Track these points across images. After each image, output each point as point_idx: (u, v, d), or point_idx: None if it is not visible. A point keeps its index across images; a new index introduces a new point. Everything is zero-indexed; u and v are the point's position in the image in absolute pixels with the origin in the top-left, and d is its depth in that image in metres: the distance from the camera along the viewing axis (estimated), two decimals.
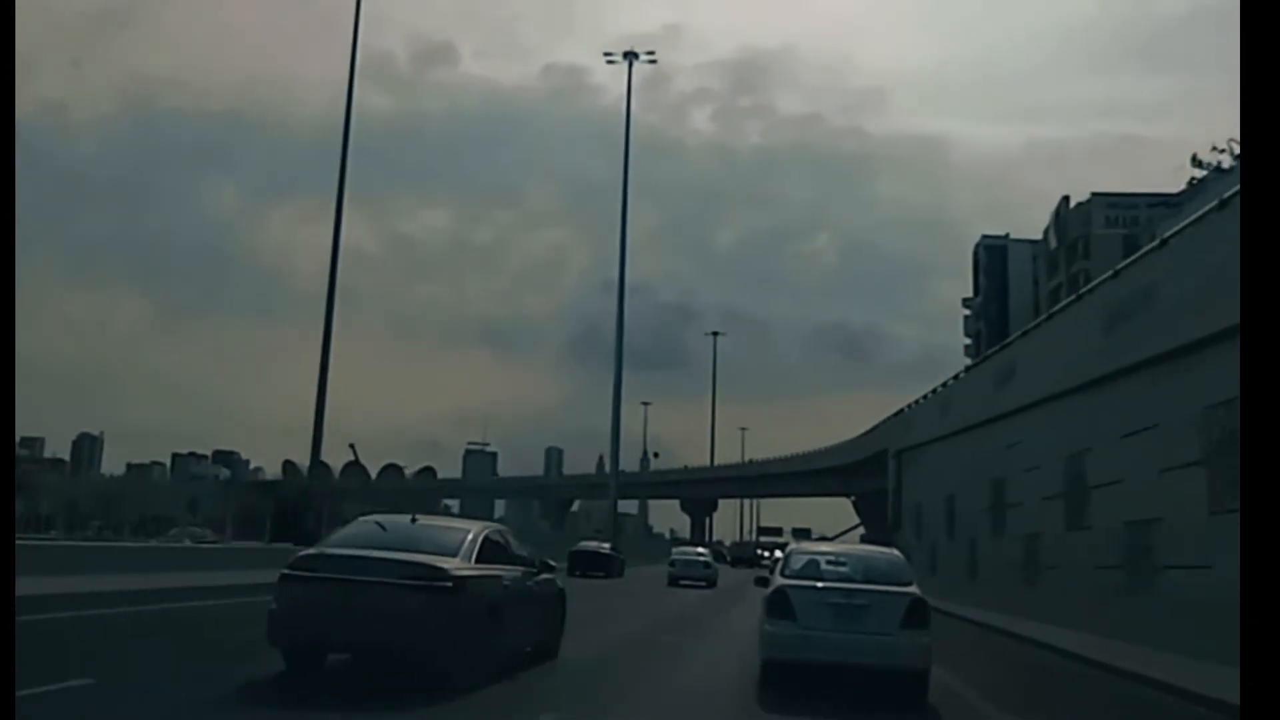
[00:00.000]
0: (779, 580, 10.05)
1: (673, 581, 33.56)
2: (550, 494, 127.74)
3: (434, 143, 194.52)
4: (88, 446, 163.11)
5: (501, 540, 10.12)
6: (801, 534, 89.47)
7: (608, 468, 64.71)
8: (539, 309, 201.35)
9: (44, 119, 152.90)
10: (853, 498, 77.34)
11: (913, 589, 9.80)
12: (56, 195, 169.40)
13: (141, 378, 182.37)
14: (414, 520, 9.67)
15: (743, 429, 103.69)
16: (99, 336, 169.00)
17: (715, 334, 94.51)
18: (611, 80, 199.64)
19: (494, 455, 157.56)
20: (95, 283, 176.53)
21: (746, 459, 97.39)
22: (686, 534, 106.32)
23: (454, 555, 8.90)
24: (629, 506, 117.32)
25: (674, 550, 42.16)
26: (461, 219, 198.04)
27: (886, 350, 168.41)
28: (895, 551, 11.44)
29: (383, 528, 9.48)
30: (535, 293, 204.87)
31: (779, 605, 9.67)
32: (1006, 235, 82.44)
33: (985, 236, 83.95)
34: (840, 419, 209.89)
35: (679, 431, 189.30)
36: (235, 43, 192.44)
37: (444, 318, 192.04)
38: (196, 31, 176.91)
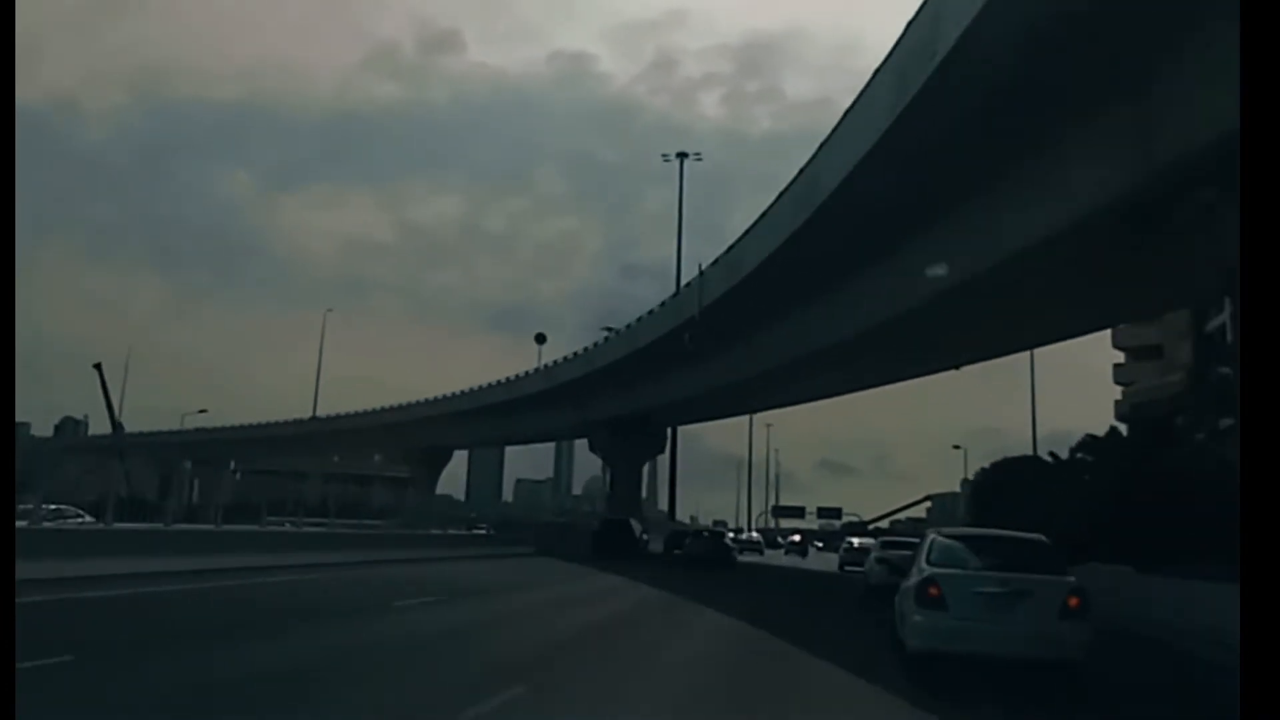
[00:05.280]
0: (926, 569, 9.86)
1: None
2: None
3: (443, 129, 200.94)
4: (70, 430, 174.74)
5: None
6: (830, 513, 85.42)
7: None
8: (550, 293, 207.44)
9: (56, 108, 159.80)
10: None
11: (1070, 578, 9.60)
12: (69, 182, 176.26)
13: (142, 358, 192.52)
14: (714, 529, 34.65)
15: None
16: (106, 318, 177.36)
17: (682, 156, 75.94)
18: (617, 67, 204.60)
19: None
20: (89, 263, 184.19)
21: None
22: (664, 505, 61.72)
23: (729, 528, 34.34)
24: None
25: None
26: (472, 205, 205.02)
27: None
28: (1042, 537, 10.80)
29: (695, 531, 32.85)
30: (547, 277, 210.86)
31: (930, 595, 9.47)
32: None
33: None
34: (867, 405, 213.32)
35: None
36: (242, 29, 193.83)
37: (458, 303, 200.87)
38: (203, 18, 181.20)
